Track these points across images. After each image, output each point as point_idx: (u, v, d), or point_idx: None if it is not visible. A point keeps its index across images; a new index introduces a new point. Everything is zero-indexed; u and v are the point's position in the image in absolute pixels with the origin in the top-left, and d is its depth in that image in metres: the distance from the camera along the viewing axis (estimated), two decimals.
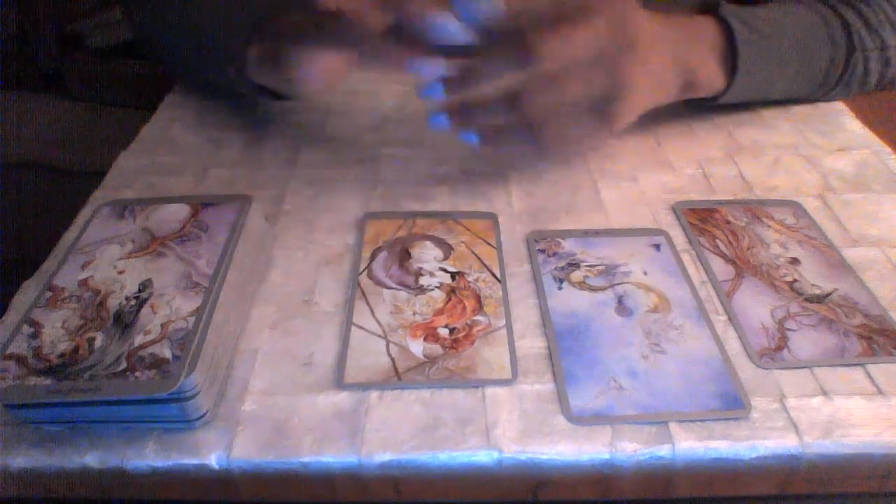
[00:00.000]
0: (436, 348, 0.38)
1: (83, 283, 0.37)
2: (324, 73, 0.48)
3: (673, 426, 0.34)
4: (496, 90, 0.44)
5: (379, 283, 0.42)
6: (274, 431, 0.34)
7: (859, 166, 0.54)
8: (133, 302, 0.36)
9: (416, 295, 0.41)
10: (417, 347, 0.38)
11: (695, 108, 0.58)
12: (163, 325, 0.35)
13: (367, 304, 0.41)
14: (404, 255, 0.44)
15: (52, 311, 0.36)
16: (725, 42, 0.53)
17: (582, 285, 0.42)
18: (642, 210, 0.49)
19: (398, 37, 0.43)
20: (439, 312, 0.40)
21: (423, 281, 0.42)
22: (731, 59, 0.53)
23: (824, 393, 0.36)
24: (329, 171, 0.54)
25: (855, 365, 0.38)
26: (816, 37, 0.56)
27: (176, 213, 0.43)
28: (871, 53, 0.58)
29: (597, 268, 0.44)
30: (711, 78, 0.53)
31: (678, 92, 0.52)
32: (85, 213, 0.48)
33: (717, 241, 0.46)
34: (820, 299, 0.42)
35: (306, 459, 0.33)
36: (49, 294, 0.37)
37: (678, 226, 0.48)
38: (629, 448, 0.33)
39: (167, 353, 0.33)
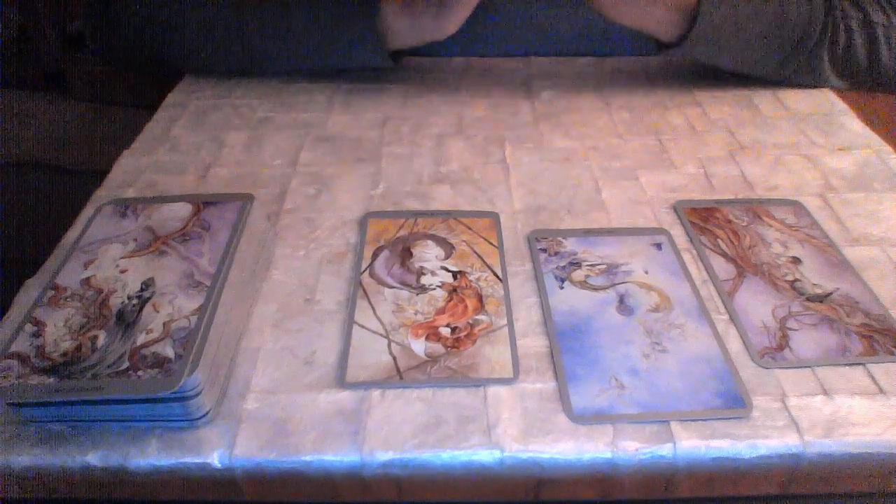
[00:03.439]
0: (437, 347, 0.38)
1: (85, 282, 0.38)
2: None
3: (674, 425, 0.34)
4: None
5: (380, 282, 0.42)
6: (276, 430, 0.34)
7: (860, 165, 0.54)
8: (135, 301, 0.36)
9: (418, 294, 0.41)
10: (419, 346, 0.38)
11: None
12: (165, 324, 0.35)
13: (369, 302, 0.41)
14: (406, 255, 0.44)
15: (55, 309, 0.36)
16: None
17: (583, 284, 0.42)
18: (643, 209, 0.49)
19: None
20: (441, 311, 0.40)
21: (425, 280, 0.42)
22: None
23: (825, 392, 0.36)
24: (330, 169, 0.54)
25: (856, 364, 0.38)
26: None
27: (178, 211, 0.43)
28: (853, 22, 0.58)
29: (598, 267, 0.44)
30: None
31: None
32: (87, 212, 0.48)
33: (719, 240, 0.46)
34: (821, 298, 0.42)
35: (308, 458, 0.33)
36: (51, 293, 0.37)
37: (679, 225, 0.48)
38: (630, 447, 0.33)
39: (169, 352, 0.33)
